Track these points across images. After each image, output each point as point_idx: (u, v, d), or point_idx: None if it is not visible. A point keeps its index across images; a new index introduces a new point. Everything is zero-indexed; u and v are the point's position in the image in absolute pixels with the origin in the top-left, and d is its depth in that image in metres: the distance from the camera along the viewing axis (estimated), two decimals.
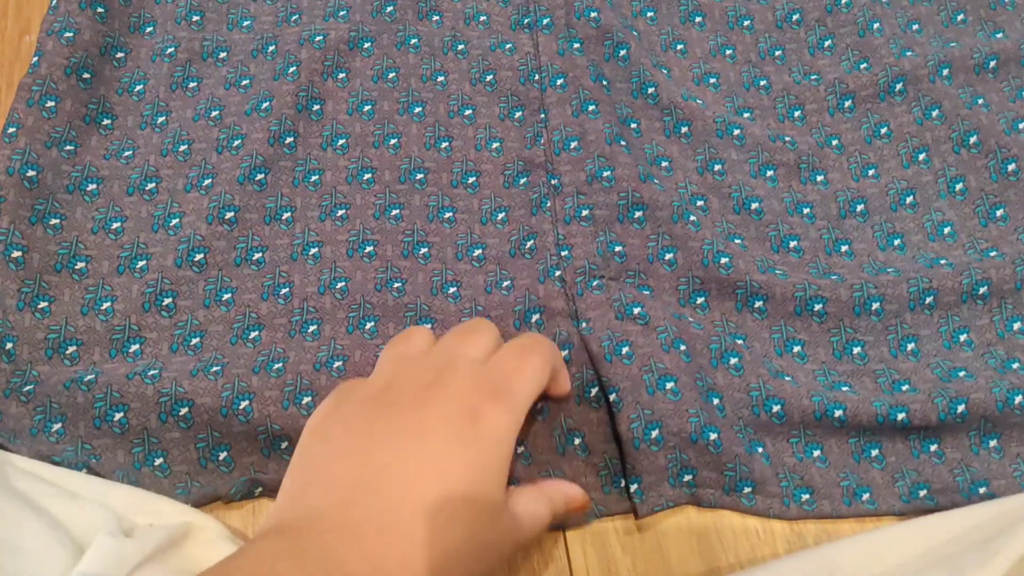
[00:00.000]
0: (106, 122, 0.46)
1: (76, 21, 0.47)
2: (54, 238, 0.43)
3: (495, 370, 0.34)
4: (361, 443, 0.31)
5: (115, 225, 0.44)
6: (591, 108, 0.47)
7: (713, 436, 0.39)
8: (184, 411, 0.38)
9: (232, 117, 0.47)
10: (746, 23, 0.52)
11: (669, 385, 0.39)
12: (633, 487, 0.39)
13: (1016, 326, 0.43)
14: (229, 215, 0.43)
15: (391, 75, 0.48)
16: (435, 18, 0.50)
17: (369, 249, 0.44)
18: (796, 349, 0.43)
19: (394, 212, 0.45)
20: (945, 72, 0.49)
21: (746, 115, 0.49)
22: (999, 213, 0.46)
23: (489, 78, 0.49)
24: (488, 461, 0.31)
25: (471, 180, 0.46)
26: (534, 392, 0.34)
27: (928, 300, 0.43)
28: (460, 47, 0.49)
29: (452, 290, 0.43)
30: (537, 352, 0.36)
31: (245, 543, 0.31)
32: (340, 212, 0.45)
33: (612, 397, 0.39)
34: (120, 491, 0.36)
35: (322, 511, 0.30)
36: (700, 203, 0.46)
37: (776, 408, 0.40)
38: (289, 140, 0.46)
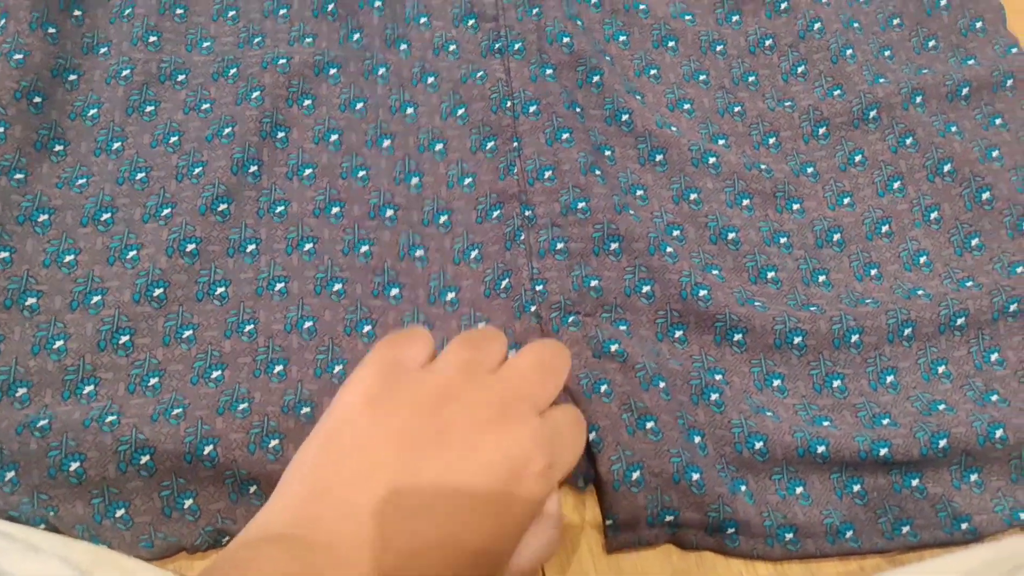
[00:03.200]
0: (58, 148, 0.44)
1: (26, 42, 0.44)
2: (3, 272, 0.40)
3: (554, 434, 0.32)
4: (402, 461, 0.29)
5: (68, 258, 0.41)
6: (565, 136, 0.46)
7: (696, 476, 0.38)
8: (145, 459, 0.36)
9: (192, 143, 0.45)
10: (719, 48, 0.51)
11: (649, 424, 0.38)
12: (608, 522, 0.38)
13: (993, 357, 0.43)
14: (190, 247, 0.42)
15: (359, 105, 0.47)
16: (403, 47, 0.49)
17: (338, 287, 0.42)
18: (776, 383, 0.42)
19: (363, 248, 0.43)
20: (918, 99, 0.49)
21: (721, 142, 0.49)
22: (974, 242, 0.46)
23: (461, 111, 0.47)
24: (513, 530, 0.30)
25: (443, 219, 0.44)
26: (572, 466, 0.33)
27: (907, 332, 0.42)
28: (430, 79, 0.48)
29: None
30: (583, 429, 0.34)
31: (234, 546, 0.29)
32: (307, 246, 0.43)
33: (592, 436, 0.38)
34: (82, 547, 0.33)
35: (339, 532, 0.28)
36: (676, 233, 0.45)
37: (758, 445, 0.39)
38: (253, 168, 0.44)
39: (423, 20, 0.50)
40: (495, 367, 0.33)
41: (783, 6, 0.52)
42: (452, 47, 0.49)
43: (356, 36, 0.49)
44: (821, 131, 0.49)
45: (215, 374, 0.39)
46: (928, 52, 0.51)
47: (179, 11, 0.49)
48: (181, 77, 0.47)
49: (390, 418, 0.30)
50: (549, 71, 0.48)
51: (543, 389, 0.33)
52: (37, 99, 0.44)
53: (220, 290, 0.41)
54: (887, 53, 0.51)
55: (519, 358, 0.34)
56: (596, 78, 0.48)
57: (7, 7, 0.45)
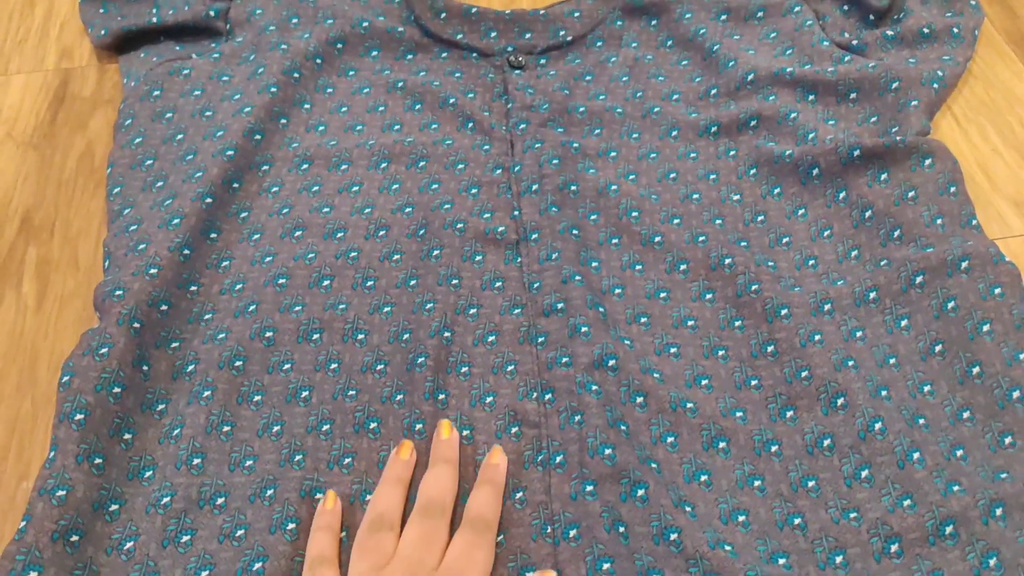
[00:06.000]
0: None
1: (71, 477, 0.45)
2: None
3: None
4: None
5: None
6: (606, 566, 0.43)
7: None
8: None
9: None
10: (773, 448, 0.49)
11: None
12: None
13: None
14: None
15: None
16: None
17: None
18: None
19: None
20: (999, 512, 0.44)
21: (782, 561, 0.45)
22: None
23: (500, 538, 0.45)
24: None
25: None
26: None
27: None
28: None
29: None
30: (480, 548, 0.44)
31: None
32: None
33: None
34: None
35: None
36: None
37: None
38: None
39: (465, 433, 0.49)
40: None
41: (840, 401, 0.49)
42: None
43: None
44: (893, 548, 0.45)
45: None
46: (1005, 451, 0.47)
47: (226, 428, 0.49)
48: (220, 500, 0.47)
49: None
50: (590, 488, 0.46)
51: (430, 555, 0.43)
52: (74, 538, 0.44)
53: None
54: (959, 453, 0.47)
55: (407, 541, 0.44)
56: (640, 492, 0.46)
57: (58, 440, 0.46)
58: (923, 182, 0.56)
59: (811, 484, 0.47)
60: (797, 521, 0.46)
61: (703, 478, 0.48)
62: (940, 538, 0.44)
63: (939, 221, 0.55)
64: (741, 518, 0.46)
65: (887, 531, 0.45)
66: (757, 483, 0.48)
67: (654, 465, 0.47)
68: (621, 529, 0.45)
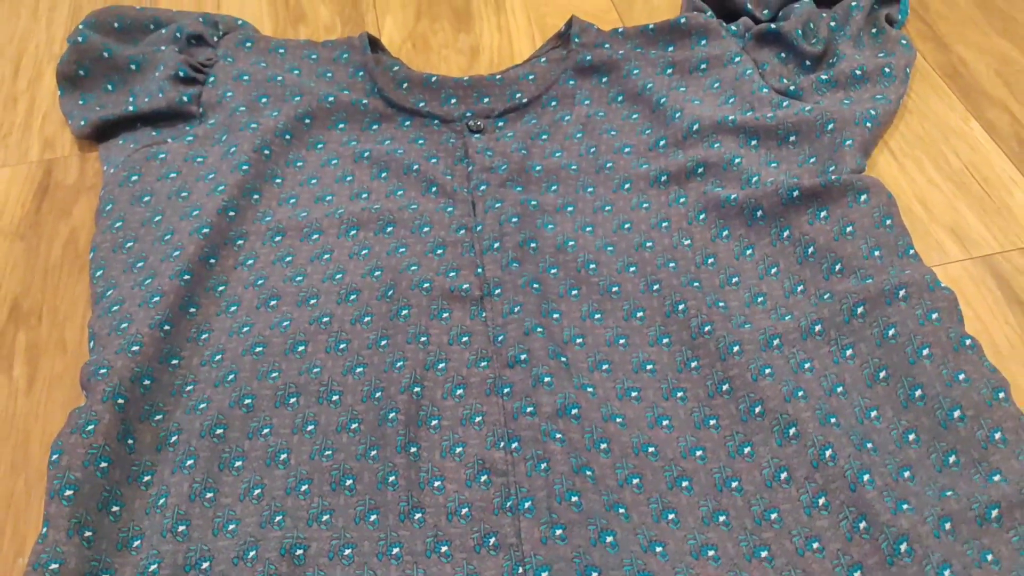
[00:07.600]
0: None
1: (62, 551, 0.47)
2: None
3: None
4: None
5: None
6: None
7: None
8: None
9: None
10: (734, 484, 0.51)
11: None
12: None
13: None
14: None
15: None
16: (417, 516, 0.50)
17: None
18: None
19: None
20: (947, 526, 0.47)
21: None
22: None
23: None
24: None
25: None
26: None
27: None
28: (443, 548, 0.49)
29: None
30: None
31: None
32: None
33: None
34: None
35: None
36: None
37: None
38: None
39: (437, 484, 0.51)
40: None
41: (792, 431, 0.52)
42: (464, 510, 0.50)
43: (372, 518, 0.50)
44: (856, 575, 0.47)
45: None
46: (950, 470, 0.50)
47: (209, 495, 0.52)
48: (205, 565, 0.49)
49: None
50: (559, 531, 0.48)
51: None
52: None
53: None
54: (907, 474, 0.50)
55: None
56: (609, 538, 0.48)
57: (49, 516, 0.48)
58: (860, 217, 0.60)
59: (773, 516, 0.50)
60: (764, 554, 0.48)
61: (670, 516, 0.50)
62: (897, 557, 0.46)
63: (876, 253, 0.58)
64: (711, 552, 0.48)
65: (848, 560, 0.47)
66: (722, 518, 0.50)
67: (622, 510, 0.50)
68: (594, 574, 0.47)
